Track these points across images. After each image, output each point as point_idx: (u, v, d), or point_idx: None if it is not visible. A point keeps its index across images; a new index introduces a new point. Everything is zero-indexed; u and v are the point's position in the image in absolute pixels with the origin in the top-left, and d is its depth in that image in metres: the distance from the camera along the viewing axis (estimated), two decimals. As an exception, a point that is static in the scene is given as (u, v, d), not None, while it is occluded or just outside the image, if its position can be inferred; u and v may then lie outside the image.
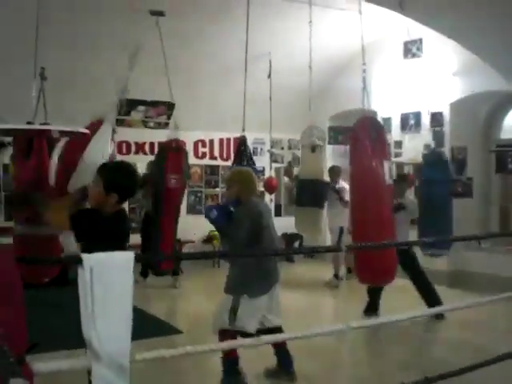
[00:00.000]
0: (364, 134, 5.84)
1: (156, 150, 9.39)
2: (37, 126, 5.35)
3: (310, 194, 8.33)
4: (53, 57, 7.61)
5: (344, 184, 8.92)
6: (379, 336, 6.58)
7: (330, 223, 9.65)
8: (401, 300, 7.59)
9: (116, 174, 3.61)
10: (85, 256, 2.56)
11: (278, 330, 5.06)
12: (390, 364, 5.79)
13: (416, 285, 7.45)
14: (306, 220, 8.62)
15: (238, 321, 4.83)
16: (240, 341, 4.49)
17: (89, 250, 3.34)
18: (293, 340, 3.54)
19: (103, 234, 3.45)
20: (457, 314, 6.58)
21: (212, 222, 4.98)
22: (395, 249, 5.82)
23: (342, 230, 9.28)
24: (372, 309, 7.30)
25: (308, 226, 8.85)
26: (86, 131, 4.99)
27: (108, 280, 2.57)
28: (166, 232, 6.96)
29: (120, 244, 3.47)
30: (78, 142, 4.98)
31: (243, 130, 6.88)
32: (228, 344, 4.25)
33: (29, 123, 5.48)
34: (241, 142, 6.84)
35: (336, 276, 9.62)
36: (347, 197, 7.84)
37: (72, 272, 4.38)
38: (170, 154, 6.46)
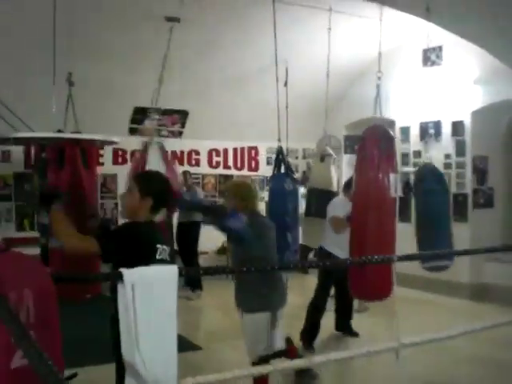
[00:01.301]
0: (372, 144, 5.65)
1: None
2: (86, 136, 5.25)
3: (317, 204, 8.11)
4: (72, 65, 7.48)
5: None
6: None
7: None
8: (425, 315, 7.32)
9: (151, 180, 3.60)
10: (126, 271, 2.36)
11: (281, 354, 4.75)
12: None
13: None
14: (313, 231, 8.41)
15: (277, 340, 4.56)
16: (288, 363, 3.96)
17: (118, 262, 3.17)
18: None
19: (131, 242, 3.20)
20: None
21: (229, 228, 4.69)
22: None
23: None
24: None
25: (314, 237, 8.63)
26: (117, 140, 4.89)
27: (151, 297, 2.37)
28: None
29: (152, 250, 3.23)
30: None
31: (279, 140, 6.81)
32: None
33: (59, 131, 5.36)
34: (278, 152, 6.74)
35: None
36: None
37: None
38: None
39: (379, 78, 6.25)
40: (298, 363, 3.31)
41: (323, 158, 8.15)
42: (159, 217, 3.62)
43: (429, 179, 6.98)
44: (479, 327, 3.52)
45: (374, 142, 5.60)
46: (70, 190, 4.92)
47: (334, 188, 8.20)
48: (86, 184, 5.31)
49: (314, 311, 6.74)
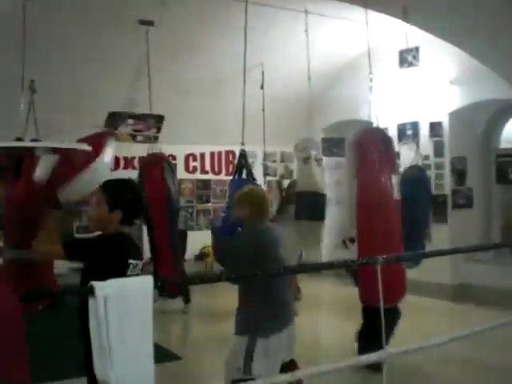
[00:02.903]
0: (372, 147, 5.60)
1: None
2: (50, 144, 5.05)
3: (306, 206, 8.03)
4: (39, 70, 7.29)
5: None
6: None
7: None
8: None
9: (121, 190, 3.28)
10: (97, 284, 2.22)
11: (290, 365, 4.39)
12: None
13: None
14: (305, 233, 8.33)
15: (255, 368, 4.11)
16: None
17: (88, 274, 3.01)
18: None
19: (101, 256, 3.05)
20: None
21: (213, 232, 4.54)
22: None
23: None
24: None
25: (307, 240, 8.55)
26: (88, 148, 4.71)
27: (125, 310, 2.23)
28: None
29: (123, 265, 3.05)
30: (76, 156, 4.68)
31: (242, 143, 6.58)
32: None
33: (18, 139, 5.18)
34: (241, 156, 6.53)
35: None
36: None
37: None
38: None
39: (371, 80, 6.18)
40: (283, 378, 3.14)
41: (306, 160, 8.07)
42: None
43: (410, 184, 6.93)
44: (467, 332, 3.42)
45: (373, 144, 5.54)
46: (25, 199, 4.74)
47: (321, 189, 8.11)
48: (45, 192, 5.08)
49: None
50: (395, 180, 5.62)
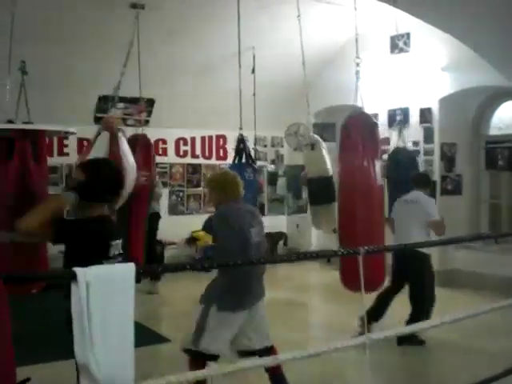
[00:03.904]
0: (356, 131, 5.57)
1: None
2: (38, 126, 5.05)
3: (319, 192, 8.03)
4: (29, 52, 7.24)
5: None
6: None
7: None
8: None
9: (99, 169, 3.29)
10: (79, 270, 2.23)
11: (266, 352, 4.47)
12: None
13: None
14: (320, 216, 8.39)
15: (204, 342, 4.31)
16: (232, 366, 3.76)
17: (70, 260, 3.04)
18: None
19: (83, 238, 3.11)
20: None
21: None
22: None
23: None
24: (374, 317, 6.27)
25: (323, 223, 8.63)
26: (74, 131, 4.73)
27: (107, 296, 2.25)
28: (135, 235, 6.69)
29: (104, 253, 3.12)
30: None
31: (240, 128, 6.60)
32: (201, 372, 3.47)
33: (10, 122, 5.16)
34: (239, 140, 6.55)
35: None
36: None
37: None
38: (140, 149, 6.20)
39: (358, 65, 6.16)
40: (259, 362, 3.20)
41: (313, 146, 8.06)
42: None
43: (395, 166, 6.94)
44: (449, 319, 3.46)
45: (357, 129, 5.52)
46: (18, 182, 4.73)
47: (330, 173, 8.15)
48: (35, 176, 5.06)
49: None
50: (379, 165, 5.60)
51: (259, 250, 4.52)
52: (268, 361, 3.26)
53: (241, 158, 6.47)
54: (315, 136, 7.75)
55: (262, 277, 4.66)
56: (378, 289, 5.89)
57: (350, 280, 5.43)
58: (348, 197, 5.65)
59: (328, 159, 7.76)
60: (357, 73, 5.95)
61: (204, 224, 4.77)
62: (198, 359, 4.35)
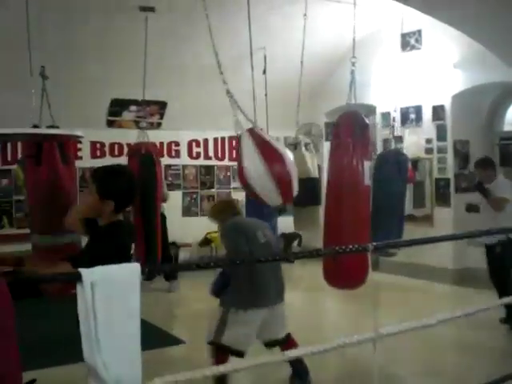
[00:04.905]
0: (346, 130, 5.53)
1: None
2: (58, 131, 5.15)
3: (302, 192, 8.01)
4: (46, 59, 7.32)
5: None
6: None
7: None
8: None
9: (112, 179, 3.20)
10: (84, 271, 2.25)
11: (284, 341, 4.91)
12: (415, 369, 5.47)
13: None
14: (303, 218, 8.37)
15: (226, 336, 4.66)
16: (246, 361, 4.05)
17: (81, 264, 3.04)
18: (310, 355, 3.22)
19: (96, 249, 3.11)
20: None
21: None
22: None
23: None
24: None
25: (305, 224, 8.60)
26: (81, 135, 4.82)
27: (112, 296, 2.26)
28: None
29: (117, 259, 3.09)
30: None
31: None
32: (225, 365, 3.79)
33: (35, 126, 5.24)
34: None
35: None
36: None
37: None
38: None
39: (353, 64, 6.12)
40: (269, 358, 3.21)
41: (295, 146, 8.05)
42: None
43: (386, 167, 6.88)
44: (459, 314, 3.44)
45: (347, 128, 5.48)
46: (47, 186, 4.86)
47: (313, 174, 8.11)
48: (65, 179, 5.20)
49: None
50: (367, 166, 5.56)
51: (269, 250, 4.84)
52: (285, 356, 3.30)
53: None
54: (300, 136, 7.77)
55: (282, 275, 4.99)
56: (360, 285, 5.82)
57: (330, 276, 5.47)
58: (334, 196, 5.62)
59: (311, 160, 7.75)
60: (352, 72, 5.88)
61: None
62: (222, 353, 4.69)
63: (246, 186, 4.85)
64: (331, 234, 5.43)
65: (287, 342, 4.88)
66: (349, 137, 5.31)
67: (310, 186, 7.99)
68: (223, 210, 5.15)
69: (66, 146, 5.34)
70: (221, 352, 4.70)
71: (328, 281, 5.49)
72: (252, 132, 5.05)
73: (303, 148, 7.62)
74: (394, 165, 7.07)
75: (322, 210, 8.05)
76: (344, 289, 5.91)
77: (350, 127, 5.40)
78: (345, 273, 5.23)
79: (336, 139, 5.58)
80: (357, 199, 5.31)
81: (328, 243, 5.39)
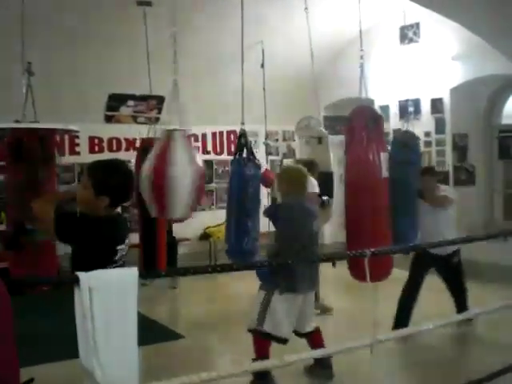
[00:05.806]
0: (360, 124, 5.52)
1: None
2: (42, 125, 5.10)
3: (322, 186, 7.97)
4: (37, 53, 7.28)
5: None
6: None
7: None
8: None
9: (108, 175, 3.14)
10: (82, 275, 2.24)
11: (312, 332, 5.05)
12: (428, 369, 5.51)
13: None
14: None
15: (269, 322, 4.75)
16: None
17: (77, 260, 3.01)
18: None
19: (90, 241, 2.99)
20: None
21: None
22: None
23: None
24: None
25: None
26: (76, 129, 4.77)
27: (110, 301, 2.25)
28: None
29: (112, 252, 3.02)
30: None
31: (242, 123, 6.55)
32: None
33: (17, 122, 5.20)
34: (241, 136, 6.49)
35: None
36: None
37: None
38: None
39: (362, 57, 6.09)
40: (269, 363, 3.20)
41: (320, 139, 8.00)
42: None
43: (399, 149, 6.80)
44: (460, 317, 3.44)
45: (362, 122, 5.48)
46: (27, 182, 4.79)
47: (331, 168, 8.09)
48: (45, 176, 5.10)
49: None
50: (384, 158, 5.55)
51: (316, 240, 5.16)
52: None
53: (242, 153, 6.41)
54: (323, 130, 7.67)
55: (318, 267, 5.25)
56: (386, 277, 5.82)
57: (356, 271, 5.46)
58: (353, 190, 5.61)
59: (330, 154, 7.71)
60: (361, 65, 5.84)
61: (265, 210, 5.26)
62: (264, 339, 4.80)
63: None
64: (351, 229, 5.45)
65: (315, 334, 5.04)
66: (363, 130, 5.33)
67: (329, 179, 7.97)
68: (294, 183, 5.12)
69: (46, 143, 5.18)
70: (262, 339, 4.78)
71: (353, 274, 5.50)
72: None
73: (328, 142, 7.56)
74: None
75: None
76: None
77: (364, 120, 5.41)
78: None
79: (350, 132, 5.57)
80: (375, 192, 5.34)
81: (350, 239, 5.43)
